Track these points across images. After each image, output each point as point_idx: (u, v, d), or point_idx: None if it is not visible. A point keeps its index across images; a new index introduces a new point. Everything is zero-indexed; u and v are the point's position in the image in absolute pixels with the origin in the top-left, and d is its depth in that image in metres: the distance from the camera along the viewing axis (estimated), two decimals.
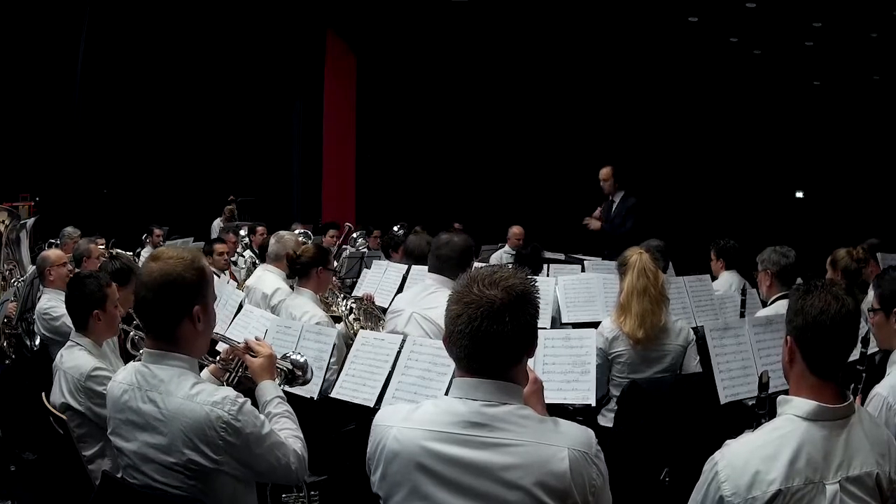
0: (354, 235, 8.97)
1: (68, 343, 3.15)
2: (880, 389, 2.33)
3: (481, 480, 1.66)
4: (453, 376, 2.59)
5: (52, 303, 4.25)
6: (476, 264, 5.70)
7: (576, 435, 1.71)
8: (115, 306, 3.17)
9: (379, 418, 1.82)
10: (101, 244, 7.33)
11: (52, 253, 4.82)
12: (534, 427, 1.70)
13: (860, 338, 2.70)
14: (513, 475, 1.64)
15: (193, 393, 2.03)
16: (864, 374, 2.75)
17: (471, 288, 1.71)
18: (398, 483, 1.72)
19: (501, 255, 8.25)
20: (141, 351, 2.23)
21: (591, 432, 1.73)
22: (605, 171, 7.19)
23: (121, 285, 3.50)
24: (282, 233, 5.04)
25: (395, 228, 9.44)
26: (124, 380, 2.13)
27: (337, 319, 4.39)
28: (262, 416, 2.09)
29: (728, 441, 1.83)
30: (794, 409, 1.79)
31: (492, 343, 1.69)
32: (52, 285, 4.51)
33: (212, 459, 1.99)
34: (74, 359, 3.02)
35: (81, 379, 2.93)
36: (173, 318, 2.07)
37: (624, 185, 7.15)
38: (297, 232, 8.13)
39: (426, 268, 3.72)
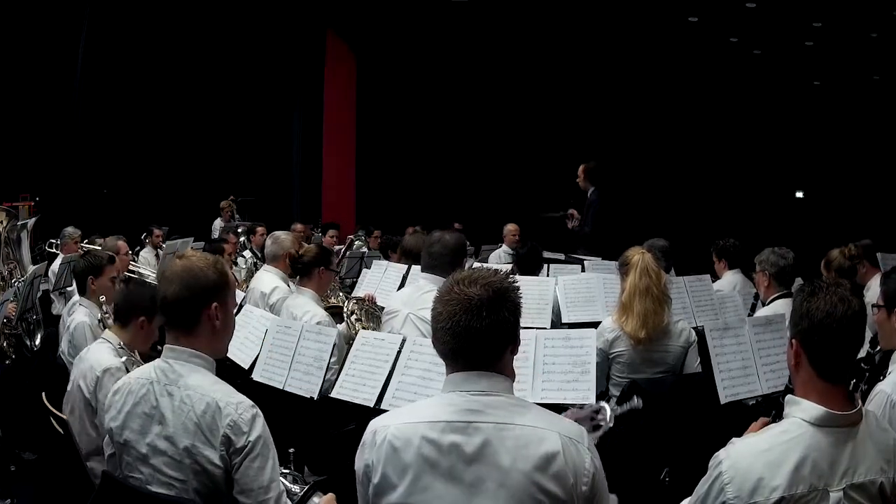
0: (351, 237, 8.96)
1: (99, 339, 3.18)
2: (884, 387, 2.30)
3: (479, 465, 1.71)
4: None
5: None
6: (476, 264, 5.70)
7: (567, 425, 1.80)
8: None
9: (374, 423, 1.86)
10: (101, 242, 7.34)
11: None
12: (526, 413, 1.77)
13: (868, 340, 2.70)
14: (509, 458, 1.70)
15: (213, 388, 2.07)
16: (867, 374, 2.74)
17: (452, 288, 1.80)
18: (399, 477, 1.76)
19: (500, 255, 8.23)
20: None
21: (582, 428, 1.82)
22: (580, 169, 7.16)
23: (95, 277, 3.79)
24: (277, 233, 5.03)
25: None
26: (142, 375, 2.17)
27: (334, 311, 4.39)
28: (272, 445, 2.08)
29: (733, 439, 1.82)
30: (803, 413, 1.76)
31: (472, 337, 1.76)
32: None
33: (215, 451, 2.00)
34: (99, 352, 3.05)
35: (98, 369, 2.95)
36: (192, 309, 2.11)
37: (599, 183, 7.07)
38: (299, 227, 8.14)
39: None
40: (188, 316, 2.12)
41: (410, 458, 1.75)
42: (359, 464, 1.85)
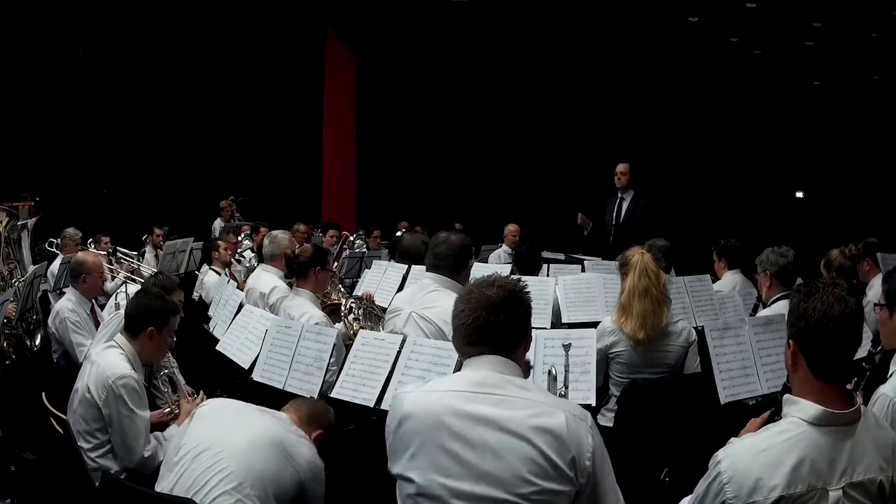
0: (352, 238, 8.95)
1: (110, 343, 3.08)
2: (886, 390, 2.28)
3: (486, 428, 1.84)
4: None
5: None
6: (476, 264, 5.69)
7: (574, 406, 1.94)
8: (170, 335, 3.14)
9: (397, 392, 2.05)
10: (107, 242, 7.35)
11: (91, 259, 4.80)
12: (535, 391, 1.96)
13: (871, 339, 2.68)
14: (515, 424, 1.83)
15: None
16: (868, 373, 2.73)
17: (472, 290, 2.03)
18: (411, 439, 1.89)
19: (500, 255, 8.22)
20: None
21: (586, 411, 1.95)
22: (623, 167, 7.14)
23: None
24: (275, 232, 5.03)
25: (399, 234, 9.35)
26: None
27: (334, 308, 4.38)
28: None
29: (732, 439, 1.82)
30: (801, 413, 1.76)
31: (491, 330, 1.96)
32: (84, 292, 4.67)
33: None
34: (111, 357, 2.98)
35: (110, 379, 2.89)
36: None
37: (637, 185, 7.12)
38: (302, 228, 8.13)
39: (425, 267, 3.71)
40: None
41: (429, 421, 1.88)
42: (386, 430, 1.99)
